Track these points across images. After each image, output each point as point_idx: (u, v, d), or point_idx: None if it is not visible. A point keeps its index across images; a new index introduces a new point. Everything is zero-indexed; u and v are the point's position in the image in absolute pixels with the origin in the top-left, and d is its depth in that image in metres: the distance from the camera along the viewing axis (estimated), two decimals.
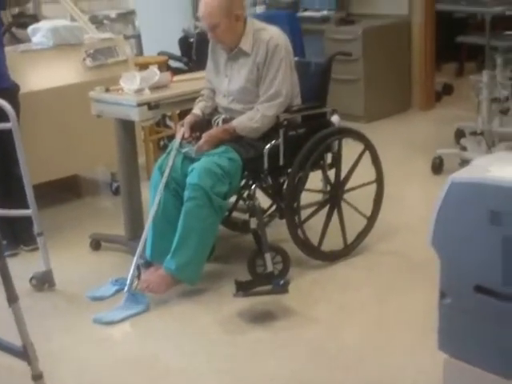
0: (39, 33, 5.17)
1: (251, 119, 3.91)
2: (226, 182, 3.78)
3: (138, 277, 3.83)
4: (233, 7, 3.87)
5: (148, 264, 4.06)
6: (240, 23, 3.93)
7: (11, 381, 3.17)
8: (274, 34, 3.96)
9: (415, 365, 3.15)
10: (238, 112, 3.99)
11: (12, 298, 2.55)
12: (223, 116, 4.04)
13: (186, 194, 3.77)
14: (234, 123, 3.93)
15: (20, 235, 4.52)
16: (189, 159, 3.90)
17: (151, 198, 3.97)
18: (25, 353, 2.61)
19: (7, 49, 4.64)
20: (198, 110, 4.15)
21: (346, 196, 4.19)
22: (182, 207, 3.79)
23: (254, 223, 3.83)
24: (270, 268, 3.72)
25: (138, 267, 3.84)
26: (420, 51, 7.26)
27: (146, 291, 3.81)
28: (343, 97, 6.25)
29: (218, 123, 4.00)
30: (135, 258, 3.81)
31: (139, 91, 4.08)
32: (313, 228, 4.11)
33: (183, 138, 4.01)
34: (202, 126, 4.06)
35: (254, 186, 3.93)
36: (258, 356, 3.34)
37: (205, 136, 3.88)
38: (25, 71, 4.88)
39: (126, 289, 3.79)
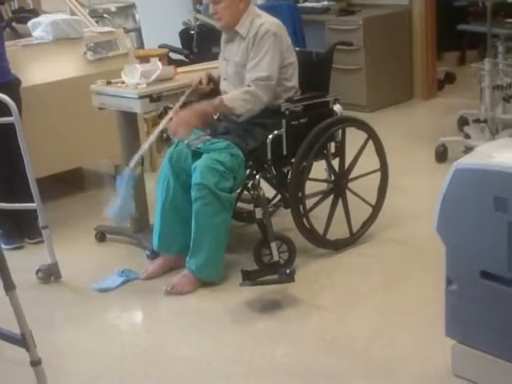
0: (39, 27, 5.16)
1: (240, 92, 3.85)
2: (229, 177, 3.78)
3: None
4: None
5: (155, 254, 4.08)
6: (242, 4, 3.94)
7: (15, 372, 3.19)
8: (269, 21, 3.96)
9: (423, 351, 3.15)
10: None
11: (9, 286, 2.58)
12: None
13: (193, 194, 3.78)
14: (222, 96, 3.87)
15: (25, 228, 4.53)
16: (198, 153, 3.89)
17: (159, 188, 3.99)
18: (23, 340, 2.64)
19: (8, 43, 4.63)
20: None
21: (350, 185, 4.20)
22: (190, 198, 3.80)
23: (259, 213, 3.84)
24: (275, 257, 3.72)
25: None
26: (421, 40, 7.25)
27: (173, 293, 3.82)
28: (345, 86, 6.24)
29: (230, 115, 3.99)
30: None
31: (139, 85, 4.07)
32: (318, 217, 4.11)
33: (200, 82, 4.08)
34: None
35: (258, 177, 3.93)
36: (265, 345, 3.35)
37: (189, 112, 3.79)
38: (26, 65, 4.88)
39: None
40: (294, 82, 4.04)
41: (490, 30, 5.42)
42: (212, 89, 4.14)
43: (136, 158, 3.85)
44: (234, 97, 3.84)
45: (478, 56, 7.52)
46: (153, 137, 3.96)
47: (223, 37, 4.14)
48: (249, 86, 3.86)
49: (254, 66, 3.89)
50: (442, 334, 2.82)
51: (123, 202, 3.80)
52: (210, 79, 4.15)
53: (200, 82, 4.10)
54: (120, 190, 3.81)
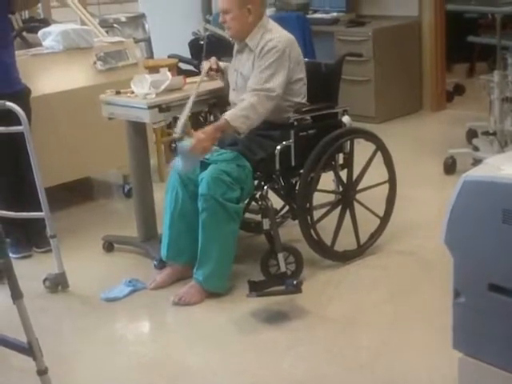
0: (50, 37, 5.18)
1: (241, 107, 3.84)
2: (236, 187, 3.78)
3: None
4: (248, 1, 3.91)
5: (162, 264, 4.08)
6: (252, 17, 3.93)
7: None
8: (279, 37, 3.93)
9: (430, 363, 3.14)
10: None
11: (16, 295, 2.58)
12: None
13: (199, 205, 3.78)
14: (226, 115, 3.85)
15: (33, 237, 4.54)
16: (204, 164, 3.90)
17: (167, 199, 3.99)
18: (30, 349, 2.64)
19: (18, 53, 4.66)
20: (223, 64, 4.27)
21: (358, 196, 4.19)
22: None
23: (266, 224, 3.84)
24: (283, 268, 3.72)
25: None
26: (430, 52, 7.25)
27: (181, 304, 3.81)
28: (354, 98, 6.24)
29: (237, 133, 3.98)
30: None
31: (148, 95, 4.08)
32: (326, 228, 4.11)
33: (210, 69, 4.19)
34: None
35: (266, 187, 3.93)
36: (272, 356, 3.34)
37: (196, 140, 3.75)
38: (36, 75, 4.89)
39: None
40: (302, 97, 4.04)
41: (499, 42, 5.42)
42: (218, 99, 4.14)
43: (180, 124, 3.85)
44: (236, 115, 3.81)
45: (488, 68, 7.52)
46: (192, 98, 3.94)
47: (235, 47, 4.16)
48: (247, 96, 3.85)
49: (254, 76, 3.89)
50: (450, 347, 2.81)
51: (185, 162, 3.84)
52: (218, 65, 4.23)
53: (210, 69, 4.18)
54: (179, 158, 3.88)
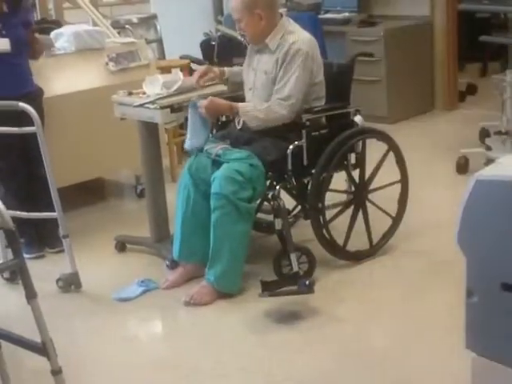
0: (62, 38, 5.20)
1: (257, 108, 3.90)
2: (248, 187, 3.79)
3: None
4: (255, 7, 3.91)
5: (175, 264, 4.09)
6: (265, 21, 3.94)
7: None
8: (301, 38, 3.95)
9: (442, 363, 3.14)
10: None
11: (30, 295, 2.59)
12: None
13: (212, 204, 3.79)
14: (240, 104, 3.95)
15: (46, 238, 4.56)
16: (217, 163, 3.91)
17: (179, 198, 4.00)
18: (44, 348, 2.65)
19: None
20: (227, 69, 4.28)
21: (370, 196, 4.19)
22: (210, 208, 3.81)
23: (278, 224, 3.84)
24: (295, 268, 3.72)
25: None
26: (443, 51, 7.24)
27: (192, 304, 3.82)
28: (366, 98, 6.23)
29: (239, 122, 4.00)
30: None
31: (160, 96, 4.09)
32: (338, 228, 4.11)
33: (201, 76, 4.17)
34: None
35: (278, 187, 3.93)
36: (284, 356, 3.34)
37: (208, 100, 3.92)
38: (48, 76, 4.91)
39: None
40: (322, 101, 4.06)
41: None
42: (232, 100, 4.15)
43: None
44: (249, 111, 3.90)
45: (500, 67, 7.50)
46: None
47: (252, 47, 4.15)
48: (271, 102, 3.89)
49: (280, 87, 3.90)
50: (462, 347, 2.80)
51: (193, 130, 4.00)
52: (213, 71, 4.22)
53: (201, 76, 4.16)
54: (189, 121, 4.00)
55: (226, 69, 4.28)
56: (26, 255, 4.25)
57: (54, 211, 3.92)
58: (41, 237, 4.57)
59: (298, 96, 3.90)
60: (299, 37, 3.96)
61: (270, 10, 3.97)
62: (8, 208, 2.58)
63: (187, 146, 4.08)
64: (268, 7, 3.95)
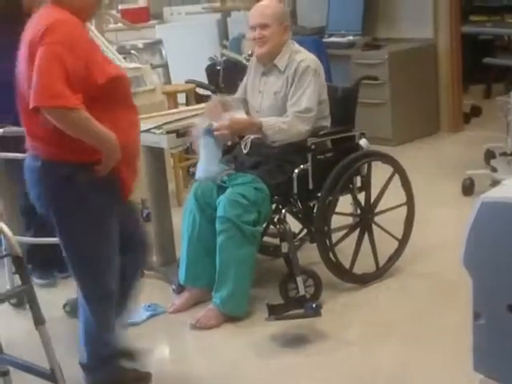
0: None
1: (281, 120, 3.89)
2: (252, 210, 3.79)
3: None
4: (285, 18, 4.03)
5: (181, 288, 4.09)
6: (285, 37, 4.02)
7: None
8: (308, 57, 4.02)
9: None
10: None
11: (39, 321, 2.60)
12: (253, 136, 4.01)
13: (217, 227, 3.80)
14: (262, 119, 3.92)
15: (54, 263, 4.55)
16: (222, 188, 3.92)
17: (185, 223, 4.01)
18: (52, 375, 2.65)
19: None
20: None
21: (376, 218, 4.19)
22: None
23: (285, 247, 3.84)
24: (302, 291, 3.72)
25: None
26: (447, 74, 7.25)
27: (198, 327, 3.82)
28: (371, 120, 6.25)
29: (246, 144, 4.01)
30: None
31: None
32: (344, 251, 4.11)
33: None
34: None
35: (284, 211, 3.94)
36: (291, 380, 3.34)
37: (230, 119, 3.85)
38: None
39: None
40: (328, 120, 4.09)
41: None
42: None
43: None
44: (272, 125, 3.86)
45: (504, 89, 7.50)
46: None
47: (259, 70, 4.16)
48: (288, 115, 3.91)
49: (295, 101, 3.92)
50: (470, 369, 2.79)
51: (206, 161, 3.86)
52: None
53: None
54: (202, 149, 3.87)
55: (228, 97, 4.25)
56: (36, 281, 4.28)
57: None
58: (49, 262, 4.56)
59: (313, 108, 3.92)
60: (306, 56, 4.03)
61: (290, 28, 4.07)
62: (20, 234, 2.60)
63: (200, 176, 3.91)
64: (290, 24, 4.05)
